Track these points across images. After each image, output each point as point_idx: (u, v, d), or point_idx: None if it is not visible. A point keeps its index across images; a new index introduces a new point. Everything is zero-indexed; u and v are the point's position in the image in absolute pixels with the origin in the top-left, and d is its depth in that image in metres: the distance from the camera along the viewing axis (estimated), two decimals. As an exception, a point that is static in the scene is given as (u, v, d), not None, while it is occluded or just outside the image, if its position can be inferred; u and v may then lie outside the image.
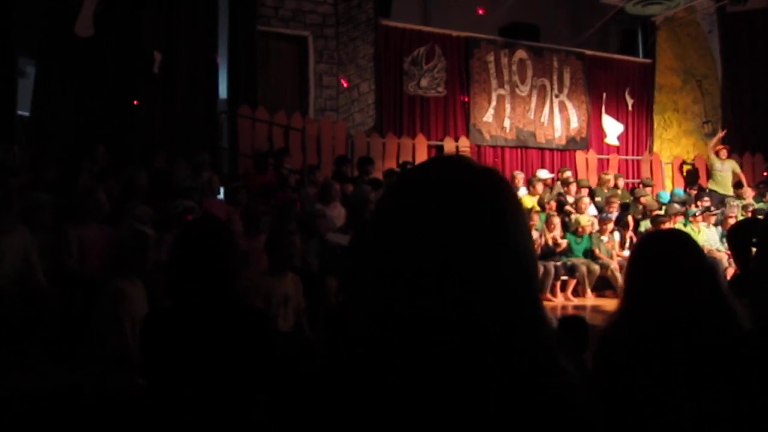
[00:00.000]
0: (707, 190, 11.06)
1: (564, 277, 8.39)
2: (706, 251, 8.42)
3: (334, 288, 5.32)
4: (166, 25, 8.44)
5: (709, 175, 11.52)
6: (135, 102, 8.07)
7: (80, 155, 6.71)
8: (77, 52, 7.73)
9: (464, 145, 10.44)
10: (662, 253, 1.99)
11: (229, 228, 2.58)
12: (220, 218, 4.29)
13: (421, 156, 10.02)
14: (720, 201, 10.51)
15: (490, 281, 0.72)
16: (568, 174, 10.52)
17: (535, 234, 8.56)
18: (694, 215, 9.23)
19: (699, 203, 10.07)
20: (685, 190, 11.15)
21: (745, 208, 9.93)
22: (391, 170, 8.85)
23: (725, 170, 11.18)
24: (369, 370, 0.72)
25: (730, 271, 7.25)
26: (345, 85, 9.77)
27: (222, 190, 7.83)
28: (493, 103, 10.83)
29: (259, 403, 2.04)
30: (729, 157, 11.43)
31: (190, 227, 2.50)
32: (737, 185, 10.98)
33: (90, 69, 7.80)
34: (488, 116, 10.77)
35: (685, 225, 9.09)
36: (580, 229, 8.70)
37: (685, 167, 12.31)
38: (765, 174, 11.87)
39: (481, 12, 10.88)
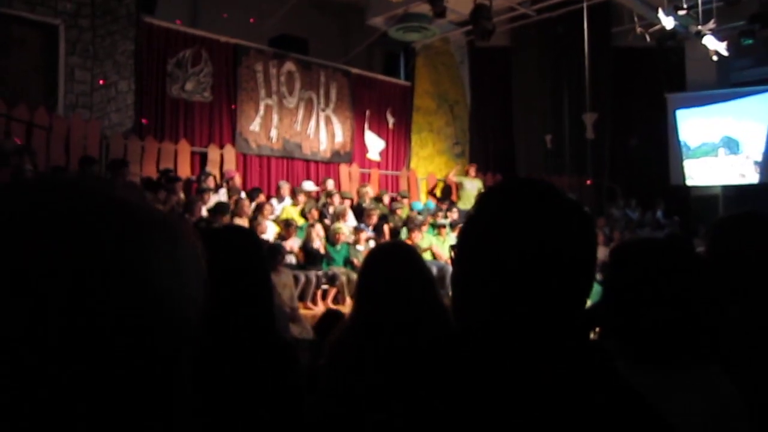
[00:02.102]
0: (456, 205, 12.14)
1: (325, 286, 8.63)
2: (448, 259, 9.26)
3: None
4: None
5: (458, 191, 12.67)
6: None
7: None
8: None
9: (229, 152, 10.28)
10: (382, 264, 2.16)
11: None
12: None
13: (184, 162, 9.67)
14: (465, 215, 11.56)
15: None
16: (331, 186, 10.86)
17: (297, 242, 8.71)
18: (441, 226, 10.04)
19: (448, 215, 10.99)
20: (436, 204, 12.08)
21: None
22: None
23: (473, 188, 12.36)
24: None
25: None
26: (101, 81, 9.09)
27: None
28: (261, 112, 10.79)
29: None
30: (476, 176, 12.69)
31: None
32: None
33: None
34: (255, 125, 10.71)
35: (434, 235, 9.88)
36: (337, 236, 9.02)
37: (439, 184, 13.39)
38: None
39: (252, 21, 10.84)
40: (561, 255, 0.89)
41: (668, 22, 10.67)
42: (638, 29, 11.30)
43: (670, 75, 13.83)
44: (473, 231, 0.97)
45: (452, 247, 0.99)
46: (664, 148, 14.19)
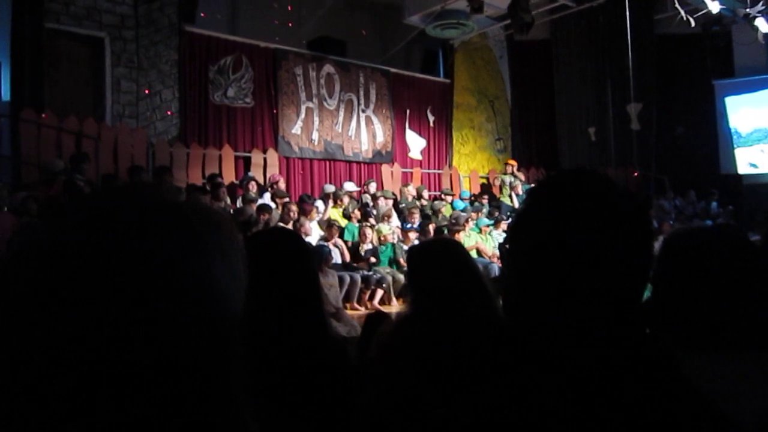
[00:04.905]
0: (499, 201, 12.05)
1: (372, 287, 8.62)
2: (492, 256, 9.18)
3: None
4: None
5: (501, 187, 12.56)
6: None
7: None
8: None
9: (272, 156, 10.40)
10: (431, 261, 2.16)
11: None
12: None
13: (228, 167, 9.82)
14: (510, 211, 11.47)
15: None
16: (372, 186, 10.89)
17: (338, 242, 8.74)
18: (486, 225, 9.96)
19: (491, 214, 10.90)
20: (478, 200, 11.98)
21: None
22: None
23: (515, 183, 12.24)
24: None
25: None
26: (146, 91, 9.31)
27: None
28: (302, 115, 10.89)
29: None
30: (518, 171, 12.57)
31: None
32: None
33: None
34: (297, 128, 10.82)
35: (478, 233, 9.82)
36: (382, 238, 9.03)
37: (480, 180, 13.31)
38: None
39: (290, 25, 10.96)
40: (615, 248, 0.87)
41: (714, 6, 10.38)
42: (682, 15, 11.01)
43: (717, 61, 13.43)
44: (524, 226, 0.96)
45: (501, 244, 0.98)
46: (713, 137, 13.82)
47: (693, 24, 11.07)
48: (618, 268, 0.88)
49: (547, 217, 0.91)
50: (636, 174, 13.19)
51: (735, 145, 13.62)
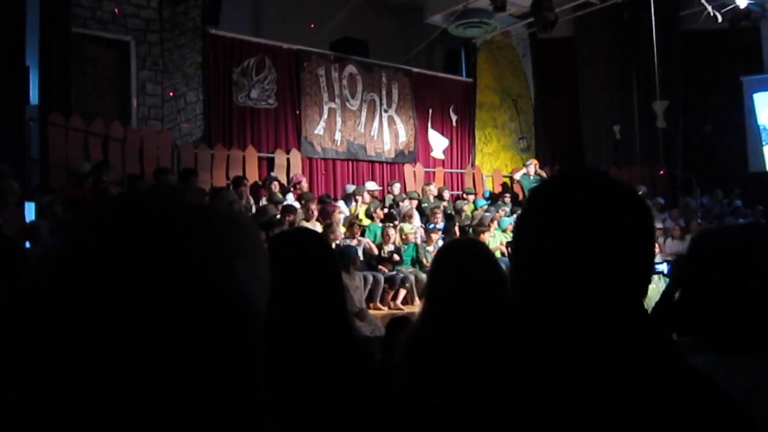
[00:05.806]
0: (522, 201, 11.95)
1: (396, 287, 8.60)
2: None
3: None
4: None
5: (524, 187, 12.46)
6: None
7: None
8: None
9: (295, 157, 10.45)
10: (455, 261, 2.14)
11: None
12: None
13: (252, 168, 9.89)
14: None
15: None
16: (397, 187, 10.87)
17: (362, 240, 8.74)
18: (509, 224, 9.88)
19: (514, 214, 10.81)
20: (501, 200, 11.90)
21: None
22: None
23: (530, 184, 12.11)
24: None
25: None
26: (171, 93, 9.41)
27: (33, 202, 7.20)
28: (324, 116, 10.93)
29: None
30: (541, 170, 12.45)
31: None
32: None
33: None
34: (319, 129, 10.86)
35: (502, 232, 9.75)
36: (404, 237, 9.02)
37: (503, 179, 13.22)
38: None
39: (312, 26, 11.01)
40: (614, 245, 0.87)
41: (742, 1, 10.21)
42: (709, 10, 10.83)
43: (745, 57, 13.23)
44: (525, 225, 0.96)
45: (508, 243, 0.99)
46: (741, 134, 13.60)
47: (720, 20, 10.89)
48: (619, 265, 0.88)
49: (546, 216, 0.92)
50: (662, 172, 13.02)
51: (764, 143, 13.39)
